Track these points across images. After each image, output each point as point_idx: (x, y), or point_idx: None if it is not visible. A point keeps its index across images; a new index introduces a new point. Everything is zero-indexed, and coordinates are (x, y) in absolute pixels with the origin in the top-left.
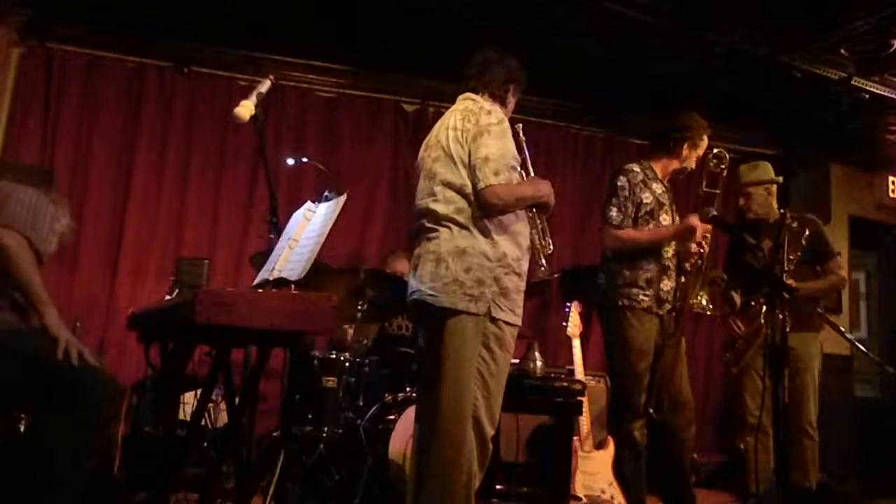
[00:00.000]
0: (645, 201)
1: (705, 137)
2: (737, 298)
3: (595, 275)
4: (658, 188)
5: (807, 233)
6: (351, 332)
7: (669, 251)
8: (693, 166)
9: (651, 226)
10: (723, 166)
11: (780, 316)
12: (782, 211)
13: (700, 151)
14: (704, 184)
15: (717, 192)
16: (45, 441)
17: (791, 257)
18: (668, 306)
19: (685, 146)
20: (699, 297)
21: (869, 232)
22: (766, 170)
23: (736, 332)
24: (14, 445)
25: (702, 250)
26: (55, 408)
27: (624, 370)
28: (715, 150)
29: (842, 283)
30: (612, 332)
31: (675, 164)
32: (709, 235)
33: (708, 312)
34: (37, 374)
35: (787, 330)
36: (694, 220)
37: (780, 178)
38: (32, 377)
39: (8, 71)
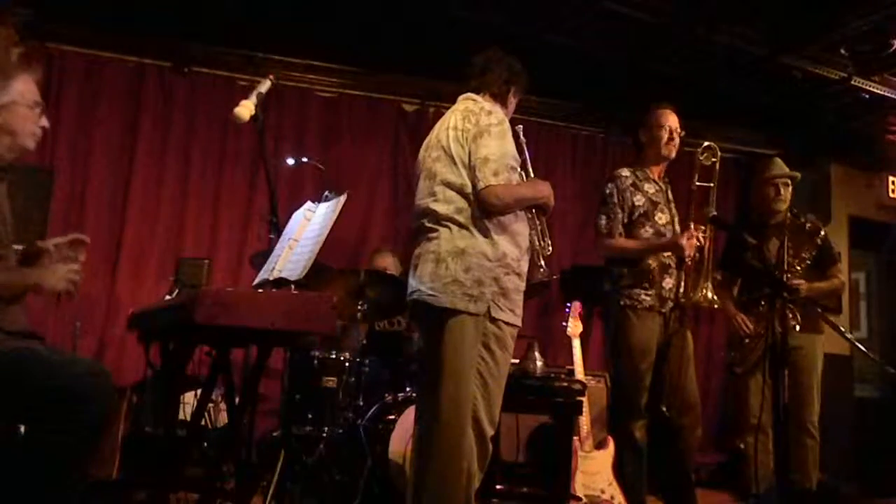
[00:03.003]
0: (637, 204)
1: (658, 112)
2: (735, 292)
3: (595, 275)
4: (650, 188)
5: (822, 234)
6: (349, 331)
7: None
8: (667, 144)
9: (647, 227)
10: (714, 159)
11: (786, 315)
12: (795, 211)
13: (669, 122)
14: (697, 177)
15: (711, 185)
16: (43, 451)
17: (804, 255)
18: (670, 304)
19: (650, 132)
20: (703, 290)
21: (869, 232)
22: None
23: (744, 331)
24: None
25: (699, 244)
26: (50, 423)
27: (625, 370)
28: (705, 143)
29: (842, 287)
30: (614, 332)
31: (660, 157)
32: (706, 229)
33: (715, 305)
34: (26, 394)
35: (798, 330)
36: (682, 239)
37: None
38: (22, 398)
39: None
